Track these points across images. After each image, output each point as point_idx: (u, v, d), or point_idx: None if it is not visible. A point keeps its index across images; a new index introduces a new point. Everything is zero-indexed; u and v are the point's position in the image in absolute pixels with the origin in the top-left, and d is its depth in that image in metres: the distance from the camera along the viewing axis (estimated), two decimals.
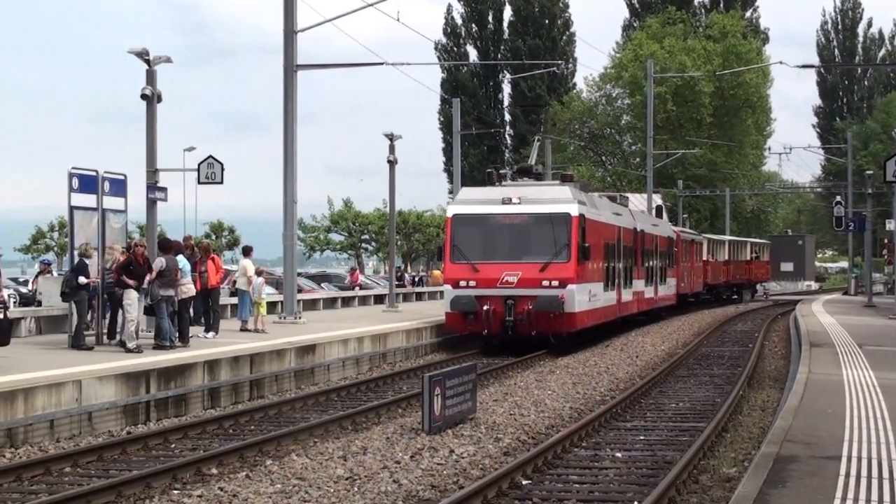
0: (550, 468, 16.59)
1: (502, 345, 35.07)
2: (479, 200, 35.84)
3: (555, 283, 33.97)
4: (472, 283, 34.45)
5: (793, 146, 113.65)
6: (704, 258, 69.51)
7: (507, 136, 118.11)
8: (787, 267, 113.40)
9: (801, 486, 12.35)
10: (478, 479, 15.27)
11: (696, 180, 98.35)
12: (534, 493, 14.87)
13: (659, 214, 73.08)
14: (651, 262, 50.34)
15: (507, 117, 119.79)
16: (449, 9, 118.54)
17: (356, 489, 14.63)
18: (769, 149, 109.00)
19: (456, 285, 34.80)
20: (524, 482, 15.45)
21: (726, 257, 76.33)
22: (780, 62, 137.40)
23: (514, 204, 35.19)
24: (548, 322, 34.02)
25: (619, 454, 17.75)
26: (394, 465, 16.21)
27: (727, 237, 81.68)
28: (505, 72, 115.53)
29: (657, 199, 78.53)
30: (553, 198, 35.51)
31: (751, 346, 38.46)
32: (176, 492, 14.98)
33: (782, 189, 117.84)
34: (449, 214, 36.37)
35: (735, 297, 79.78)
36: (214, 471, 16.48)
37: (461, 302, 34.35)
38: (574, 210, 34.94)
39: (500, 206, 35.32)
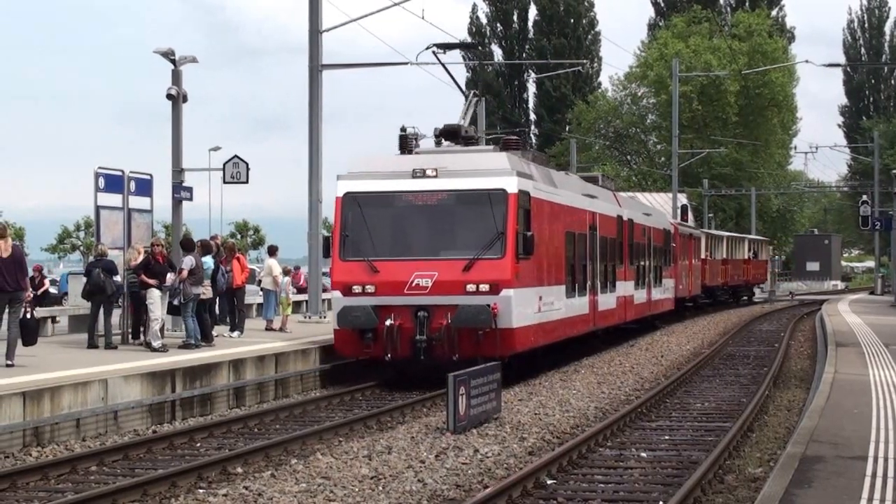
0: (575, 468, 16.56)
1: (420, 373, 25.98)
2: (381, 173, 26.57)
3: (483, 286, 25.12)
4: (369, 287, 25.46)
5: (819, 145, 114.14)
6: (703, 256, 61.89)
7: (531, 135, 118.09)
8: (812, 266, 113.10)
9: (828, 487, 12.30)
10: (502, 478, 15.26)
11: (722, 179, 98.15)
12: (558, 492, 14.84)
13: (684, 214, 72.94)
14: (643, 260, 42.41)
15: (532, 116, 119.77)
16: (474, 8, 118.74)
17: (381, 488, 14.64)
18: (795, 148, 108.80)
19: (347, 291, 25.67)
20: (549, 482, 15.42)
21: (724, 255, 69.10)
22: (806, 61, 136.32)
23: (429, 178, 26.26)
24: (474, 342, 24.98)
25: (644, 454, 17.71)
26: (418, 464, 16.21)
27: (725, 232, 75.90)
28: (530, 71, 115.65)
29: (682, 199, 78.38)
30: (483, 169, 26.36)
31: (776, 345, 38.31)
32: (201, 490, 15.02)
33: (808, 188, 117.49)
34: (338, 193, 26.66)
35: (731, 300, 72.71)
36: (240, 470, 16.52)
37: (353, 315, 25.23)
38: (512, 185, 25.88)
39: (410, 180, 26.29)
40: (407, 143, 28.31)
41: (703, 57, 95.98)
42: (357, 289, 25.58)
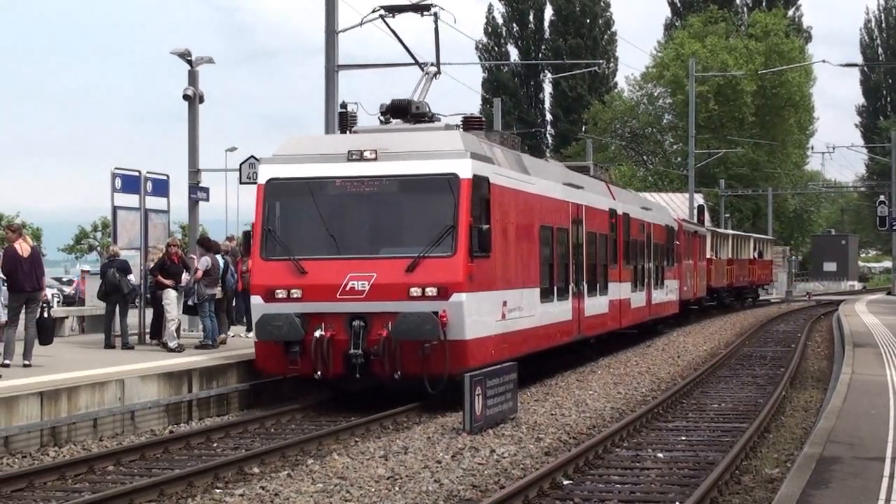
0: (592, 468, 16.55)
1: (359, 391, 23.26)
2: (312, 156, 22.75)
3: (430, 290, 21.39)
4: (294, 292, 21.79)
5: (836, 145, 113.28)
6: (708, 255, 58.26)
7: (548, 135, 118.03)
8: (829, 267, 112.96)
9: (845, 488, 12.28)
10: (519, 479, 15.25)
11: (739, 180, 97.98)
12: (575, 493, 14.83)
13: (700, 214, 72.78)
14: (642, 259, 38.80)
15: (549, 117, 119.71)
16: (490, 8, 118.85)
17: (397, 489, 14.65)
18: (812, 148, 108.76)
19: (269, 297, 21.92)
20: (565, 482, 15.42)
21: (729, 255, 65.62)
22: (823, 61, 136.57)
23: (367, 161, 22.25)
24: (419, 358, 21.23)
25: (660, 454, 17.69)
26: (435, 464, 16.22)
27: (730, 231, 72.84)
28: (546, 71, 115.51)
29: (699, 199, 78.26)
30: (431, 150, 22.39)
31: (793, 346, 38.23)
32: (218, 491, 15.04)
33: (825, 188, 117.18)
34: (260, 180, 23.03)
35: (736, 303, 69.04)
36: (256, 470, 16.54)
37: (274, 325, 21.57)
38: (465, 169, 21.95)
39: (344, 165, 22.36)
40: (344, 121, 24.71)
41: (719, 57, 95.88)
42: (280, 293, 21.86)
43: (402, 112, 24.81)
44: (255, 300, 22.29)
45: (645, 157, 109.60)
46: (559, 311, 27.97)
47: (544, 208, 27.03)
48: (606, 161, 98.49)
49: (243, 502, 13.94)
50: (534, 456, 17.19)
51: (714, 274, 59.70)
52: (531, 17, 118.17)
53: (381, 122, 24.95)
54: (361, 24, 31.84)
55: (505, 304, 23.73)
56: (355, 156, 22.34)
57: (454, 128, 24.41)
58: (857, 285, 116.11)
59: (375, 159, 22.25)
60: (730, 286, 65.51)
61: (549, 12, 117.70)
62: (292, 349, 21.64)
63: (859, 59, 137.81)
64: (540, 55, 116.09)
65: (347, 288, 21.56)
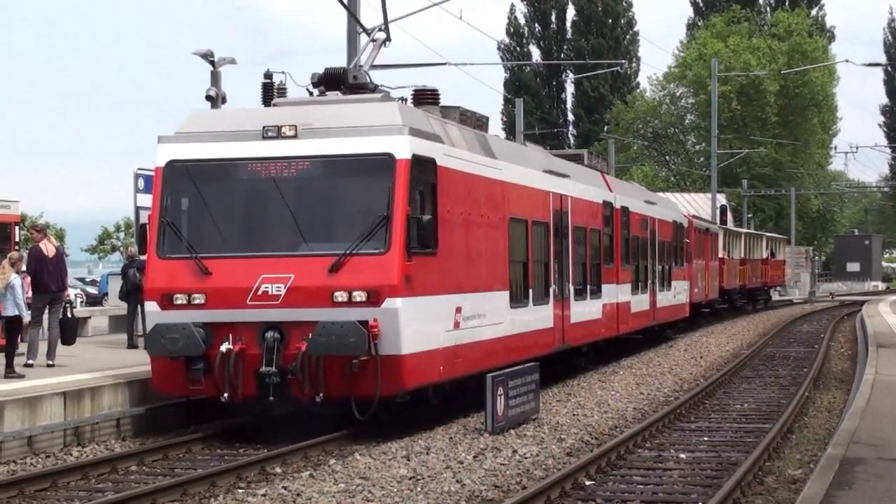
0: (614, 469, 16.53)
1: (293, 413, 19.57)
2: (221, 134, 19.15)
3: (358, 294, 17.89)
4: (196, 297, 18.30)
5: (859, 145, 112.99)
6: (720, 255, 55.08)
7: (570, 135, 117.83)
8: (853, 267, 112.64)
9: (868, 489, 12.24)
10: (541, 479, 15.25)
11: (761, 180, 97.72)
12: (597, 493, 14.82)
13: (723, 214, 72.51)
14: (645, 259, 35.51)
15: (571, 117, 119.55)
16: (512, 9, 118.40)
17: (419, 489, 14.65)
18: (835, 148, 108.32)
19: (166, 303, 18.49)
20: (587, 483, 15.41)
21: (742, 255, 62.59)
22: (847, 60, 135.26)
23: (286, 139, 18.74)
24: (345, 377, 17.91)
25: (683, 455, 17.67)
26: (457, 464, 16.22)
27: (743, 229, 69.97)
28: (568, 71, 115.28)
29: (721, 199, 78.07)
30: (363, 126, 18.70)
31: (816, 346, 38.11)
32: (240, 491, 15.07)
33: (849, 188, 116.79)
34: (159, 162, 19.31)
35: (748, 305, 66.18)
36: (278, 470, 16.56)
37: (170, 337, 18.09)
38: (402, 148, 18.41)
39: (259, 143, 18.82)
40: (268, 92, 21.13)
41: (742, 57, 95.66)
42: (180, 299, 18.32)
43: (337, 82, 20.81)
44: (150, 306, 18.72)
45: (667, 158, 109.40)
46: (536, 317, 24.18)
47: (517, 198, 23.15)
48: (629, 161, 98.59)
49: (265, 502, 13.96)
50: (556, 456, 17.18)
51: (727, 274, 56.77)
52: (553, 18, 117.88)
53: (310, 94, 21.00)
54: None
55: (459, 310, 20.02)
56: (271, 132, 18.70)
57: (393, 99, 20.49)
58: (881, 286, 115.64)
59: (295, 136, 18.65)
60: (742, 287, 62.79)
61: (571, 12, 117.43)
62: (194, 366, 18.00)
63: (883, 59, 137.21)
64: (562, 55, 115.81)
65: (260, 292, 18.03)
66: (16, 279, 21.18)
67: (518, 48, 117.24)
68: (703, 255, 49.68)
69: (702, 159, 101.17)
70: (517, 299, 23.09)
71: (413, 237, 18.17)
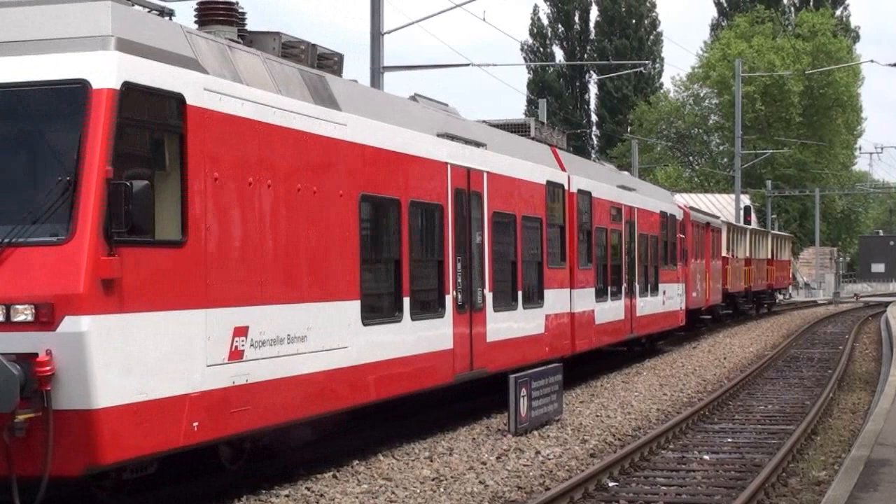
0: (637, 470, 16.51)
1: None
2: None
3: (21, 311, 10.76)
4: None
5: (884, 145, 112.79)
6: (724, 254, 49.22)
7: (593, 136, 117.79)
8: (878, 268, 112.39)
9: (893, 491, 12.19)
10: (564, 480, 15.23)
11: (785, 180, 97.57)
12: (620, 495, 14.80)
13: (747, 215, 72.37)
14: (618, 257, 29.26)
15: (594, 118, 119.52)
16: (535, 9, 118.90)
17: (442, 490, 14.66)
18: (860, 148, 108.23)
19: None
20: (611, 484, 15.38)
21: (747, 254, 56.66)
22: (871, 60, 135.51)
23: None
24: None
25: (706, 456, 17.62)
26: (480, 465, 16.22)
27: (749, 226, 63.29)
28: (591, 72, 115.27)
29: (745, 200, 77.92)
30: (51, 38, 11.56)
31: (841, 348, 37.98)
32: (263, 492, 15.09)
33: (873, 189, 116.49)
34: None
35: (753, 310, 60.46)
36: (301, 471, 16.57)
37: None
38: (105, 70, 11.36)
39: None
40: None
41: (766, 57, 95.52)
42: None
43: None
44: None
45: (691, 158, 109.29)
46: (417, 338, 17.53)
47: (373, 169, 16.34)
48: (652, 162, 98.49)
49: (289, 503, 13.98)
50: (579, 457, 17.16)
51: (731, 276, 50.58)
52: (576, 18, 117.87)
53: None
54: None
55: (242, 331, 13.16)
56: None
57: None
58: None
59: None
60: (748, 290, 56.55)
61: (594, 13, 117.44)
62: None
63: None
64: (585, 56, 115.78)
65: None
66: None
67: (541, 49, 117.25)
68: (703, 253, 43.91)
69: (725, 160, 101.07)
70: (372, 313, 16.24)
71: (122, 216, 11.06)
